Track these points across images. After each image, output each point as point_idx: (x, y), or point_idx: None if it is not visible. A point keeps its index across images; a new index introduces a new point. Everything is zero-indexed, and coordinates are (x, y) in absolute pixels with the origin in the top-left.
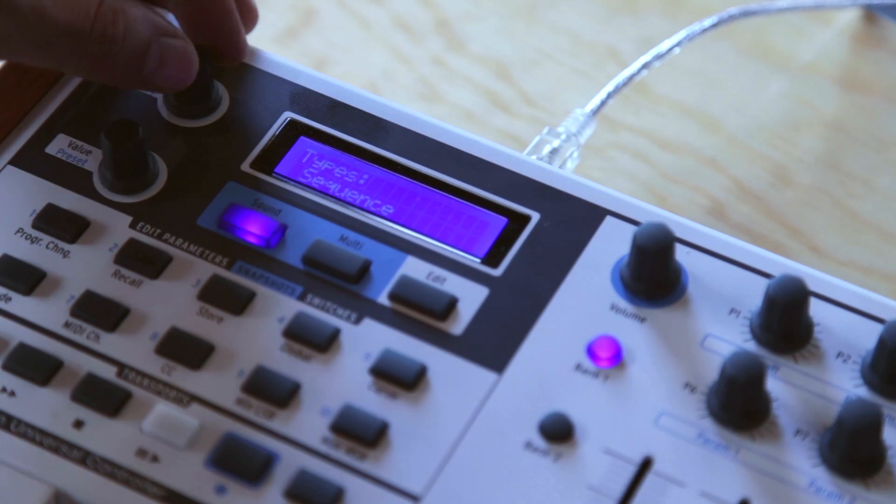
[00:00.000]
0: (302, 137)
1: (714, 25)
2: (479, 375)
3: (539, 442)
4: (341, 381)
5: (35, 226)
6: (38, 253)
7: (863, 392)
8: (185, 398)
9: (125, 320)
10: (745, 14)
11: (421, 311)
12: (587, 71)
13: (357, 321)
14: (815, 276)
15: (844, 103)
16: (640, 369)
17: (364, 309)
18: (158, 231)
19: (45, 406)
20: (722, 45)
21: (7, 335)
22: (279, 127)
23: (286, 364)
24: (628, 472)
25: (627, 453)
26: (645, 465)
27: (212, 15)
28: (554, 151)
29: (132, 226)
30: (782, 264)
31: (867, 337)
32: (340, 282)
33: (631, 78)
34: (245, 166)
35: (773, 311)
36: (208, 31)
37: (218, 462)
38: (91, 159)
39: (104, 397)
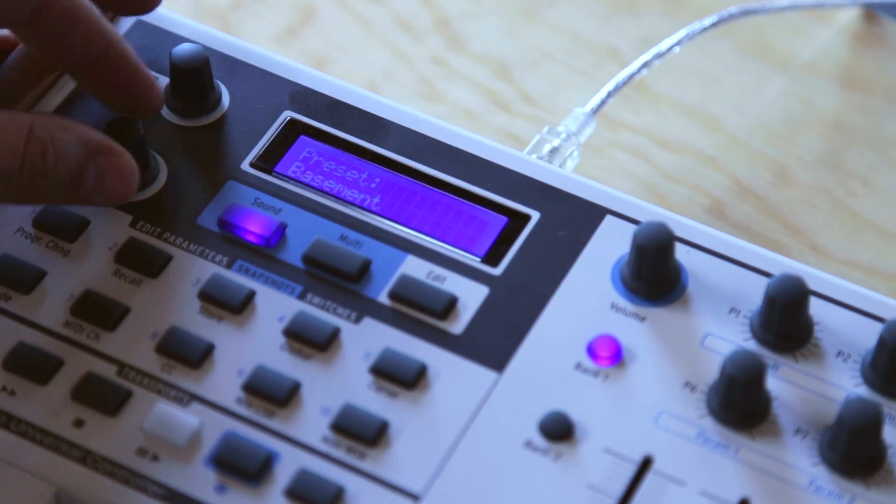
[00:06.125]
0: (302, 136)
1: (714, 24)
2: (479, 374)
3: (539, 441)
4: (341, 380)
5: (35, 225)
6: (39, 252)
7: (863, 391)
8: (185, 397)
9: (125, 319)
10: (746, 13)
11: (421, 310)
12: (587, 70)
13: (357, 320)
14: (815, 276)
15: (844, 102)
16: (640, 368)
17: (364, 308)
18: (158, 230)
19: (46, 405)
20: (722, 44)
21: (7, 334)
22: (279, 126)
23: (286, 363)
24: (628, 471)
25: (627, 452)
26: (645, 464)
27: (120, 78)
28: (554, 150)
29: (132, 225)
30: (782, 263)
31: (867, 336)
32: (340, 281)
33: (631, 77)
34: (245, 165)
35: (773, 310)
36: (122, 93)
37: (218, 461)
38: None
39: (104, 396)
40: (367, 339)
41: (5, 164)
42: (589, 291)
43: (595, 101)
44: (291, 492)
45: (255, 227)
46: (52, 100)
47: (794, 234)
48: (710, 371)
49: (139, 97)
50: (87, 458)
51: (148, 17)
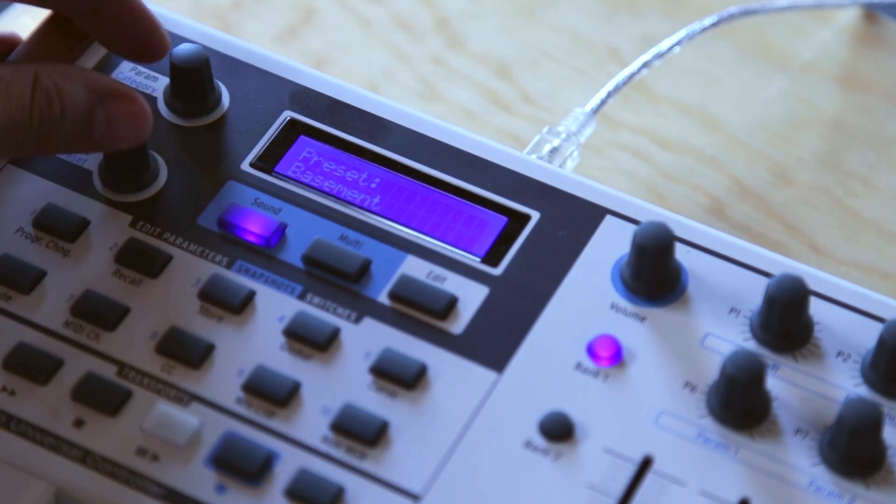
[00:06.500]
0: (302, 136)
1: (714, 24)
2: (479, 374)
3: (539, 441)
4: (341, 380)
5: (35, 225)
6: (38, 252)
7: (863, 391)
8: (185, 397)
9: (125, 319)
10: (746, 13)
11: (421, 311)
12: (587, 70)
13: (357, 320)
14: (815, 275)
15: (844, 102)
16: (640, 368)
17: (364, 308)
18: (158, 230)
19: (45, 405)
20: (722, 44)
21: (7, 334)
22: (279, 126)
23: (286, 363)
24: (628, 472)
25: (627, 452)
26: (645, 465)
27: (125, 20)
28: (554, 150)
29: (132, 225)
30: (782, 263)
31: (867, 336)
32: (340, 281)
33: (631, 77)
34: (245, 165)
35: (773, 310)
36: (126, 36)
37: (218, 461)
38: (91, 158)
39: (104, 396)
40: (367, 339)
41: (15, 116)
42: (589, 291)
43: (595, 101)
44: (291, 492)
45: (255, 227)
46: None
47: (794, 234)
48: (710, 371)
49: (145, 39)
50: (87, 458)
51: None
